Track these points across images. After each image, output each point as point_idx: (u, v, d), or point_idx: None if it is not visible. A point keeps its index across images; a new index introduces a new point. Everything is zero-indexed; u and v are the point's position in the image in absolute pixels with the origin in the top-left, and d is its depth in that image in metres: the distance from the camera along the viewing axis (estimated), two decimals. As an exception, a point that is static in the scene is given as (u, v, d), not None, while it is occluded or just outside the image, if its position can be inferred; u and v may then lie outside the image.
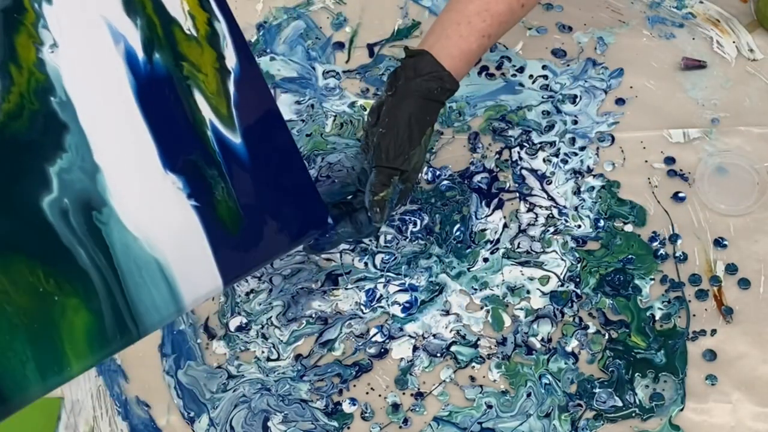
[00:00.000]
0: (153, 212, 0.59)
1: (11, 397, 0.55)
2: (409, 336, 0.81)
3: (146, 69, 0.60)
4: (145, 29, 0.61)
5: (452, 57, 0.78)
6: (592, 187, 0.89)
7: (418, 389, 0.79)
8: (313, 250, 0.79)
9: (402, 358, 0.80)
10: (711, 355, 0.79)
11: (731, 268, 0.83)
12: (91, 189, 0.57)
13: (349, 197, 0.81)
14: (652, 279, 0.83)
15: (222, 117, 0.63)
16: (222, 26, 0.65)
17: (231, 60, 0.65)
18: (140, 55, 0.60)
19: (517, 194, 0.89)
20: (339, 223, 0.78)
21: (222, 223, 0.62)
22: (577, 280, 0.83)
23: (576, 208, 0.88)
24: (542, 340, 0.80)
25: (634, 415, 0.76)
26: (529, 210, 0.88)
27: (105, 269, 0.57)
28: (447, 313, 0.82)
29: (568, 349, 0.80)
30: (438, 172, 0.90)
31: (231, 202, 0.63)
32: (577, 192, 0.88)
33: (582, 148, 0.91)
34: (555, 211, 0.88)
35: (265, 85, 0.66)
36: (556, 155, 0.91)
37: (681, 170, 0.89)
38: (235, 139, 0.63)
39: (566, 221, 0.87)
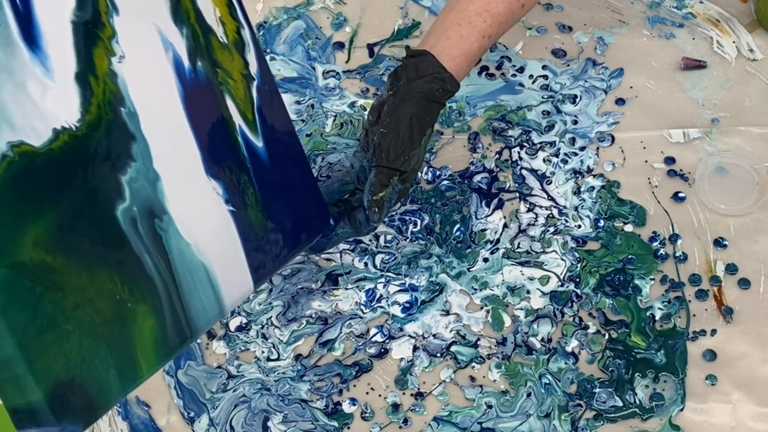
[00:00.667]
0: (199, 218, 0.61)
1: (98, 404, 0.57)
2: (409, 336, 0.81)
3: (191, 77, 0.62)
4: (190, 38, 0.62)
5: (453, 58, 0.78)
6: (592, 187, 0.89)
7: (418, 389, 0.79)
8: (312, 250, 0.79)
9: (402, 358, 0.80)
10: (711, 355, 0.79)
11: (731, 268, 0.83)
12: (153, 197, 0.59)
13: (347, 196, 0.81)
14: (652, 279, 0.83)
15: (248, 122, 0.65)
16: (246, 33, 0.67)
17: (253, 66, 0.67)
18: (186, 63, 0.62)
19: (517, 194, 0.89)
20: (338, 223, 0.78)
21: (252, 226, 0.64)
22: (577, 280, 0.83)
23: (576, 208, 0.88)
24: (542, 340, 0.80)
25: (634, 415, 0.76)
26: (529, 210, 0.88)
27: (165, 275, 0.59)
28: (447, 313, 0.82)
29: (568, 349, 0.80)
30: (438, 172, 0.90)
31: (258, 206, 0.65)
32: (577, 192, 0.88)
33: (582, 148, 0.91)
34: (555, 211, 0.88)
35: (278, 90, 0.68)
36: (556, 155, 0.91)
37: (681, 170, 0.89)
38: (258, 143, 0.66)
39: (566, 221, 0.87)
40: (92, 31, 0.57)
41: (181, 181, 0.60)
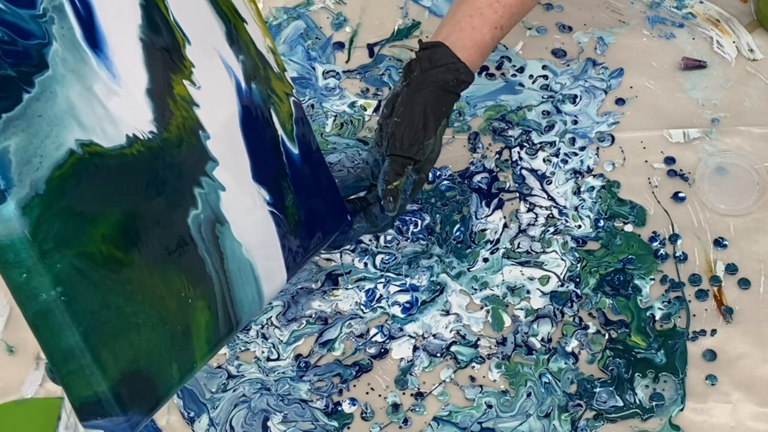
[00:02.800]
0: (248, 220, 0.66)
1: (161, 394, 0.60)
2: (409, 336, 0.81)
3: (247, 97, 0.68)
4: (246, 64, 0.68)
5: (466, 49, 0.78)
6: (592, 187, 0.89)
7: (418, 389, 0.79)
8: (330, 247, 0.79)
9: (402, 358, 0.80)
10: (711, 355, 0.79)
11: (731, 268, 0.83)
12: (216, 205, 0.64)
13: (363, 193, 0.80)
14: (652, 279, 0.83)
15: (288, 133, 0.71)
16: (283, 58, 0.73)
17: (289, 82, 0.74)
18: (243, 85, 0.68)
19: (517, 194, 0.89)
20: (354, 219, 0.78)
21: (288, 226, 0.69)
22: (577, 280, 0.83)
23: (576, 208, 0.88)
24: (542, 340, 0.80)
25: (634, 415, 0.76)
26: (529, 210, 0.88)
27: (221, 274, 0.64)
28: (447, 313, 0.82)
29: (568, 349, 0.80)
30: (438, 172, 0.90)
31: (294, 208, 0.70)
32: (577, 192, 0.88)
33: (582, 148, 0.91)
34: (555, 211, 0.88)
35: (298, 99, 0.74)
36: (556, 155, 0.91)
37: (681, 170, 0.89)
38: (295, 150, 0.71)
39: (566, 221, 0.87)
40: (171, 59, 0.63)
41: (237, 189, 0.66)
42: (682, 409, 0.76)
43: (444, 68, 0.77)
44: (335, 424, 0.77)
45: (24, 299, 0.55)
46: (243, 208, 0.66)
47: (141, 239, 0.59)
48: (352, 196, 0.80)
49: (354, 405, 0.78)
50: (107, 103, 0.58)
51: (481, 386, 0.79)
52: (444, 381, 0.79)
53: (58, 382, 0.58)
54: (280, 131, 0.70)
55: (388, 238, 0.86)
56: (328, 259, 0.86)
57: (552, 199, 0.88)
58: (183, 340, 0.61)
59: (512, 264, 0.85)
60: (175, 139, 0.62)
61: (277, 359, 0.81)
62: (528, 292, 0.83)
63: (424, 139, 0.76)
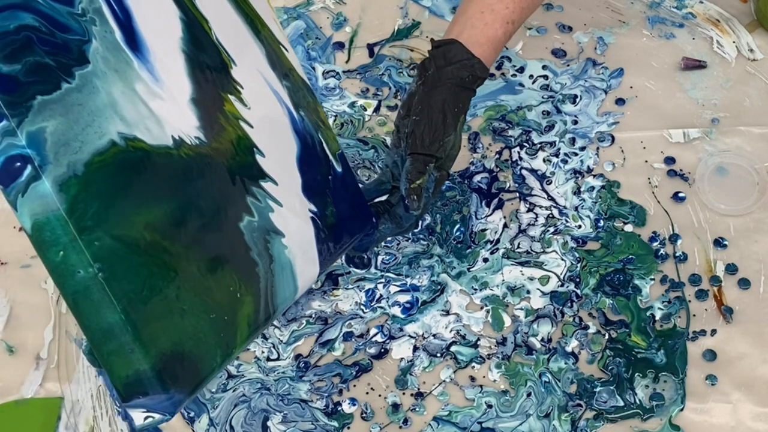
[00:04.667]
0: (294, 229, 0.70)
1: (203, 376, 0.61)
2: (409, 336, 0.81)
3: (300, 124, 0.72)
4: (291, 89, 0.72)
5: (480, 45, 0.78)
6: (592, 187, 0.89)
7: (418, 389, 0.79)
8: (356, 249, 0.80)
9: (402, 358, 0.80)
10: (711, 355, 0.79)
11: (731, 268, 0.83)
12: (269, 216, 0.67)
13: (385, 196, 0.80)
14: (652, 279, 0.83)
15: (334, 155, 0.75)
16: None
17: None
18: (294, 112, 0.72)
19: (517, 194, 0.89)
20: (379, 221, 0.78)
21: (325, 231, 0.72)
22: (577, 280, 0.83)
23: (576, 208, 0.88)
24: (542, 340, 0.80)
25: (634, 415, 0.76)
26: (529, 210, 0.88)
27: (268, 273, 0.67)
28: (447, 313, 0.82)
29: (568, 349, 0.80)
30: (438, 172, 0.90)
31: (332, 216, 0.73)
32: (577, 192, 0.88)
33: (582, 148, 0.91)
34: (555, 211, 0.88)
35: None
36: (556, 155, 0.91)
37: (681, 170, 0.89)
38: (339, 168, 0.75)
39: (566, 221, 0.87)
40: (219, 77, 0.66)
41: (288, 204, 0.69)
42: (682, 409, 0.76)
43: (459, 65, 0.77)
44: (335, 424, 0.77)
45: (62, 278, 0.56)
46: (292, 221, 0.69)
47: (189, 234, 0.61)
48: (376, 200, 0.80)
49: (354, 405, 0.78)
50: (150, 102, 0.61)
51: (481, 386, 0.79)
52: (444, 381, 0.79)
53: (99, 364, 0.59)
54: (330, 156, 0.74)
55: (389, 238, 0.86)
56: (328, 259, 0.86)
57: (552, 199, 0.88)
58: (227, 328, 0.63)
59: (512, 264, 0.85)
60: (226, 151, 0.65)
61: (277, 359, 0.81)
62: (528, 292, 0.83)
63: (444, 135, 0.76)
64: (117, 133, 0.58)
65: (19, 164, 0.54)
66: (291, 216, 0.69)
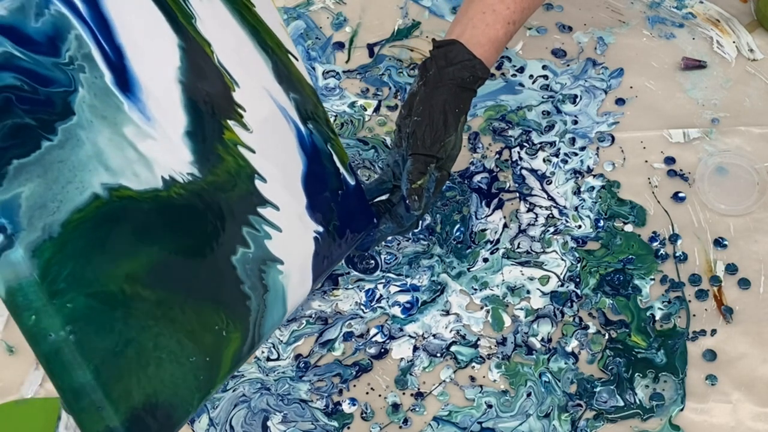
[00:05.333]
0: (292, 250, 0.67)
1: (177, 421, 0.60)
2: (409, 336, 0.81)
3: (308, 139, 0.70)
4: (299, 102, 0.70)
5: (481, 45, 0.78)
6: (592, 187, 0.89)
7: (418, 389, 0.79)
8: (357, 249, 0.80)
9: (402, 358, 0.80)
10: (711, 355, 0.79)
11: (731, 268, 0.83)
12: (266, 244, 0.65)
13: (386, 195, 0.81)
14: (652, 279, 0.83)
15: (345, 166, 0.74)
16: None
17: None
18: (301, 126, 0.70)
19: (517, 194, 0.89)
20: (380, 220, 0.78)
21: (326, 246, 0.71)
22: (577, 280, 0.83)
23: (576, 208, 0.88)
24: (542, 340, 0.80)
25: (634, 415, 0.76)
26: (529, 210, 0.88)
27: (260, 304, 0.64)
28: (447, 313, 0.82)
29: (568, 349, 0.80)
30: (438, 172, 0.90)
31: (335, 231, 0.72)
32: (577, 192, 0.89)
33: (582, 148, 0.91)
34: (555, 211, 0.88)
35: None
36: (556, 155, 0.91)
37: (681, 170, 0.89)
38: (352, 182, 0.74)
39: (566, 221, 0.87)
40: (219, 103, 0.64)
41: (289, 228, 0.67)
42: (682, 409, 0.76)
43: (460, 65, 0.77)
44: (335, 424, 0.77)
45: (34, 341, 0.54)
46: (292, 244, 0.67)
47: (174, 278, 0.59)
48: (376, 199, 0.80)
49: (354, 405, 0.78)
50: (139, 145, 0.59)
51: (481, 386, 0.79)
52: (444, 381, 0.79)
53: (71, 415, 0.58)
54: (341, 168, 0.73)
55: (389, 238, 0.86)
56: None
57: (552, 199, 0.88)
58: (209, 368, 0.61)
59: (512, 264, 0.85)
60: (223, 183, 0.63)
61: (277, 359, 0.81)
62: (528, 292, 0.83)
63: (445, 136, 0.76)
64: (100, 185, 0.56)
65: None
66: (291, 240, 0.67)
